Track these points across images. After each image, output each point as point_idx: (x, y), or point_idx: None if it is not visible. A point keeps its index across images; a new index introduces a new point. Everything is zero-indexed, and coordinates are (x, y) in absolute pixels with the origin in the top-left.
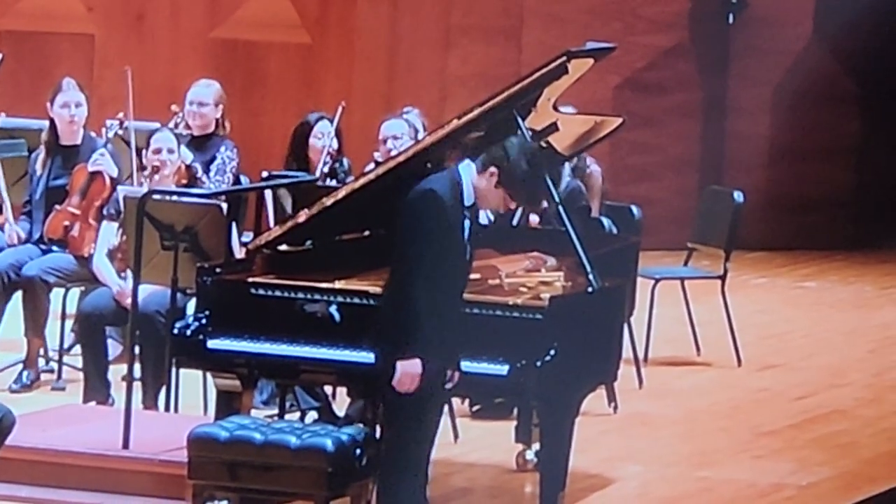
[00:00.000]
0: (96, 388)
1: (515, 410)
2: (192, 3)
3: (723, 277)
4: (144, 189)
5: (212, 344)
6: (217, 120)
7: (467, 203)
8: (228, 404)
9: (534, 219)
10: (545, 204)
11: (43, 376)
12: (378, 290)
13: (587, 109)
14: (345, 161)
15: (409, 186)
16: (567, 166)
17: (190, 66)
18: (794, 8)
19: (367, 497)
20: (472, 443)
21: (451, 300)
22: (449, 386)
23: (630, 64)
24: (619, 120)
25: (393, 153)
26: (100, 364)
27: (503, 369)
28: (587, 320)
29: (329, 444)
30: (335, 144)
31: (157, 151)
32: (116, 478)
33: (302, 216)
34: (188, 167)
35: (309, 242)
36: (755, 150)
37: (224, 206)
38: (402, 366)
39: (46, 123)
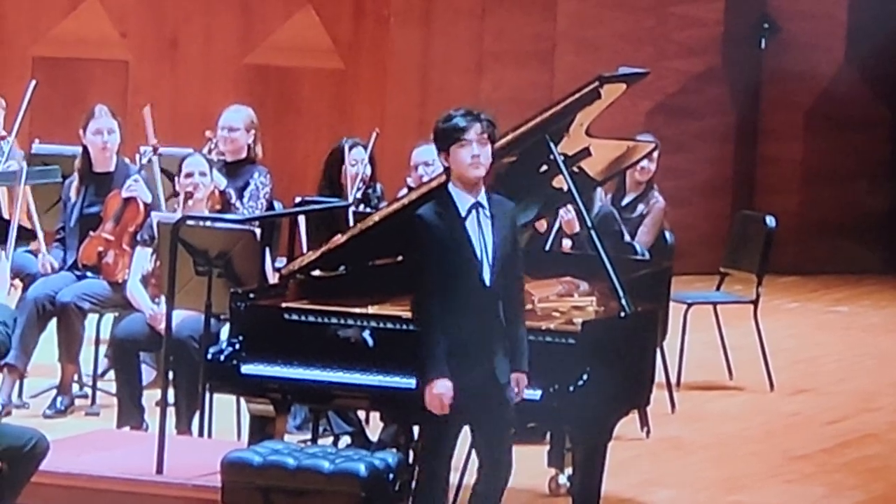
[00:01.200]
0: (130, 414)
1: (548, 435)
2: (226, 30)
3: (755, 302)
4: (178, 215)
5: (245, 369)
6: (249, 145)
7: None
8: (262, 429)
9: (566, 243)
10: (578, 228)
11: (77, 402)
12: (411, 315)
13: (619, 134)
14: (378, 187)
15: None
16: (599, 191)
17: (223, 92)
18: (826, 33)
19: None
20: None
21: (471, 314)
22: (514, 396)
23: (662, 89)
24: (652, 144)
25: (424, 179)
26: (133, 389)
27: (536, 394)
28: (620, 345)
29: (362, 468)
30: (369, 171)
31: (189, 175)
32: (150, 503)
33: (336, 241)
34: (222, 193)
35: (342, 268)
36: (787, 174)
37: (258, 231)
38: (427, 388)
39: (80, 150)
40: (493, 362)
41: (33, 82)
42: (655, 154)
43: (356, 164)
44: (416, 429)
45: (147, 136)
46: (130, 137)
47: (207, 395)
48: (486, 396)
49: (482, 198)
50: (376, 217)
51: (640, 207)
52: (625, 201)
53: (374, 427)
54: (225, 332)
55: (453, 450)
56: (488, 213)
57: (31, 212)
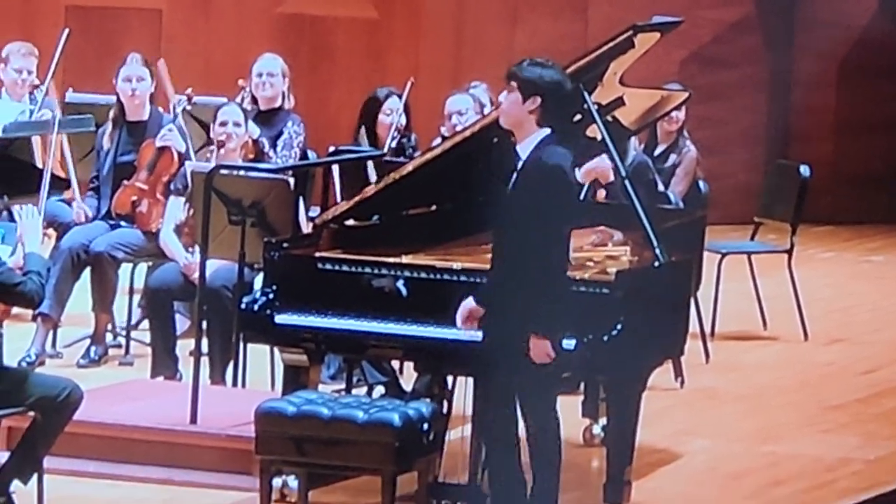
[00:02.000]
0: (164, 363)
1: (582, 385)
2: None
3: (789, 251)
4: (212, 164)
5: (279, 319)
6: (283, 93)
7: None
8: (296, 379)
9: (600, 193)
10: (612, 178)
11: (111, 351)
12: (445, 264)
13: (653, 83)
14: (412, 136)
15: (476, 161)
16: (633, 140)
17: (256, 41)
18: None
19: (433, 472)
20: None
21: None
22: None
23: (696, 38)
24: (686, 94)
25: (458, 128)
26: (167, 339)
27: (570, 344)
28: (654, 295)
29: (396, 419)
30: (403, 120)
31: (224, 124)
32: (184, 453)
33: (370, 190)
34: (255, 142)
35: (376, 217)
36: (821, 123)
37: (291, 180)
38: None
39: (114, 99)
40: None
41: (66, 31)
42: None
43: (391, 113)
44: (449, 379)
45: (165, 92)
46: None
47: (241, 345)
48: None
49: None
50: (410, 167)
51: (672, 157)
52: (657, 152)
53: (408, 377)
54: (258, 281)
55: None
56: None
57: (66, 160)
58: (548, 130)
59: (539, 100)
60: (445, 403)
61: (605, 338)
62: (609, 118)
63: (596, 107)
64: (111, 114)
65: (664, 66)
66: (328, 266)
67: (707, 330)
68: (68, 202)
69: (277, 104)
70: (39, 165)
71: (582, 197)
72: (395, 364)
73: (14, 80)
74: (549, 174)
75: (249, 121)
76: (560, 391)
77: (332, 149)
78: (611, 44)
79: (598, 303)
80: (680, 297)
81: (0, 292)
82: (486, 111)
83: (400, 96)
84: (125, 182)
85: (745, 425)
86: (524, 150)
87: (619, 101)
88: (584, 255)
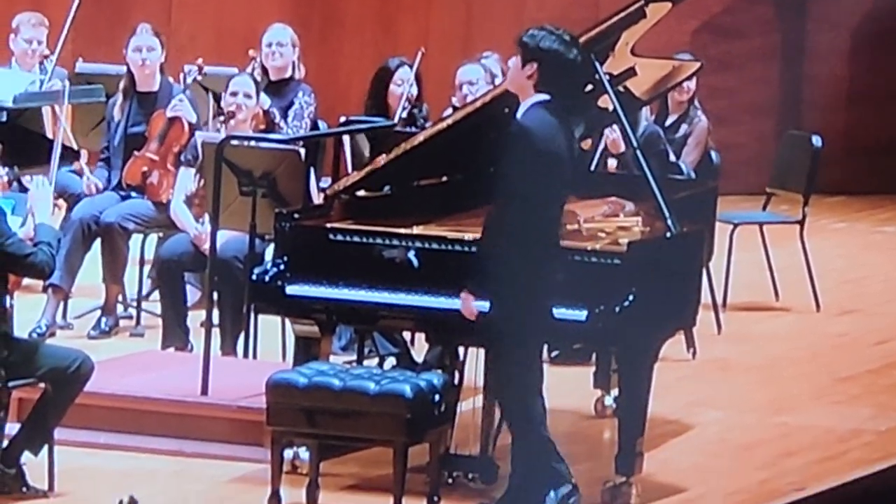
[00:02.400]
0: (175, 335)
1: (594, 356)
2: None
3: (801, 222)
4: (222, 135)
5: (290, 290)
6: (293, 63)
7: None
8: (307, 350)
9: (612, 163)
10: (623, 148)
11: (122, 323)
12: (456, 235)
13: (665, 54)
14: (424, 107)
15: (487, 132)
16: (645, 111)
17: (267, 10)
18: None
19: (445, 443)
20: (550, 389)
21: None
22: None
23: (708, 8)
24: (697, 64)
25: (469, 98)
26: (178, 310)
27: (582, 315)
28: (666, 265)
29: (408, 390)
30: (415, 91)
31: (234, 95)
32: (195, 424)
33: (380, 161)
34: (266, 112)
35: (387, 188)
36: (834, 93)
37: (302, 151)
38: (464, 296)
39: (124, 69)
40: None
41: (77, 1)
42: None
43: (402, 83)
44: (461, 350)
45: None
46: (175, 56)
47: (252, 316)
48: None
49: None
50: (421, 137)
51: (684, 127)
52: (668, 122)
53: (420, 348)
54: (269, 252)
55: None
56: None
57: (66, 131)
58: (542, 96)
59: (535, 65)
60: (457, 374)
61: (617, 309)
62: (620, 88)
63: (607, 77)
64: (121, 84)
65: (676, 36)
66: (339, 237)
67: (719, 301)
68: (78, 173)
69: (288, 74)
70: (49, 136)
71: (593, 167)
72: (407, 335)
73: (24, 50)
74: (512, 136)
75: (261, 92)
76: (572, 362)
77: (342, 119)
78: (622, 13)
79: (609, 273)
80: (692, 267)
81: (10, 263)
82: (497, 81)
83: (411, 66)
84: (136, 153)
85: (757, 396)
86: (519, 115)
87: (631, 72)
88: (596, 226)
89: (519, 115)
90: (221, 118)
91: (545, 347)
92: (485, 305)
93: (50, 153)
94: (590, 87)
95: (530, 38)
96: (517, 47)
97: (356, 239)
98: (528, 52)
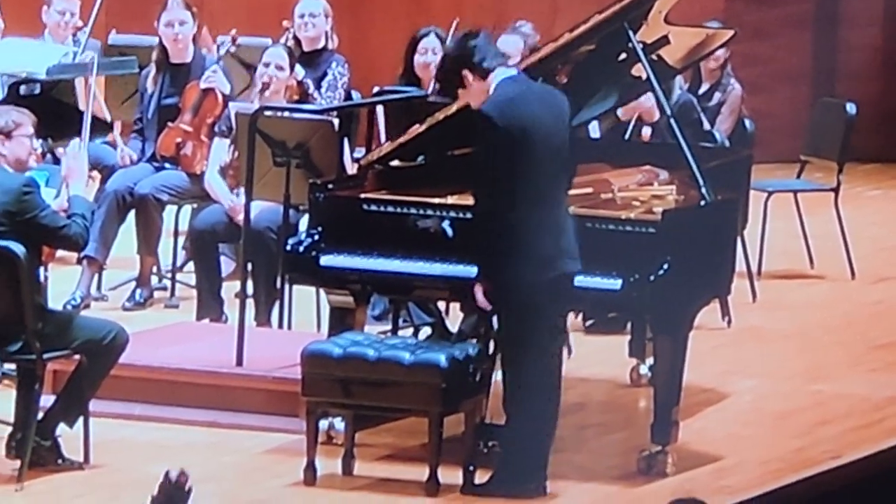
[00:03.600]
0: (209, 306)
1: (629, 325)
2: None
3: (836, 190)
4: (256, 105)
5: (324, 260)
6: (326, 33)
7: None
8: (341, 320)
9: (646, 132)
10: (657, 117)
11: (156, 294)
12: None
13: (699, 22)
14: None
15: None
16: (678, 79)
17: None
18: None
19: (480, 413)
20: (585, 358)
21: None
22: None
23: None
24: (731, 32)
25: None
26: (213, 281)
27: (616, 284)
28: (700, 234)
29: (443, 359)
30: None
31: (267, 66)
32: (230, 395)
33: (414, 131)
34: (300, 83)
35: (421, 158)
36: (868, 61)
37: (336, 122)
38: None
39: (156, 41)
40: None
41: None
42: None
43: (426, 52)
44: (495, 319)
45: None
46: (208, 27)
47: (286, 287)
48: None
49: None
50: (455, 107)
51: (717, 96)
52: (701, 91)
53: (454, 318)
54: (303, 223)
55: None
56: None
57: (100, 103)
58: (503, 74)
59: (468, 69)
60: (492, 344)
61: (652, 277)
62: (654, 57)
63: (641, 46)
64: (154, 56)
65: (709, 3)
66: (373, 207)
67: (754, 269)
68: (112, 145)
69: (320, 45)
70: (83, 108)
71: (627, 136)
72: (441, 305)
73: (57, 22)
74: (476, 122)
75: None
76: (607, 331)
77: (376, 89)
78: None
79: (644, 242)
80: (726, 235)
81: (45, 235)
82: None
83: (442, 37)
84: (169, 124)
85: (792, 364)
86: None
87: (664, 40)
88: (631, 195)
89: None
90: (256, 89)
91: (565, 319)
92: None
93: (82, 125)
94: (624, 55)
95: (448, 61)
96: (445, 78)
97: (390, 209)
98: (455, 67)
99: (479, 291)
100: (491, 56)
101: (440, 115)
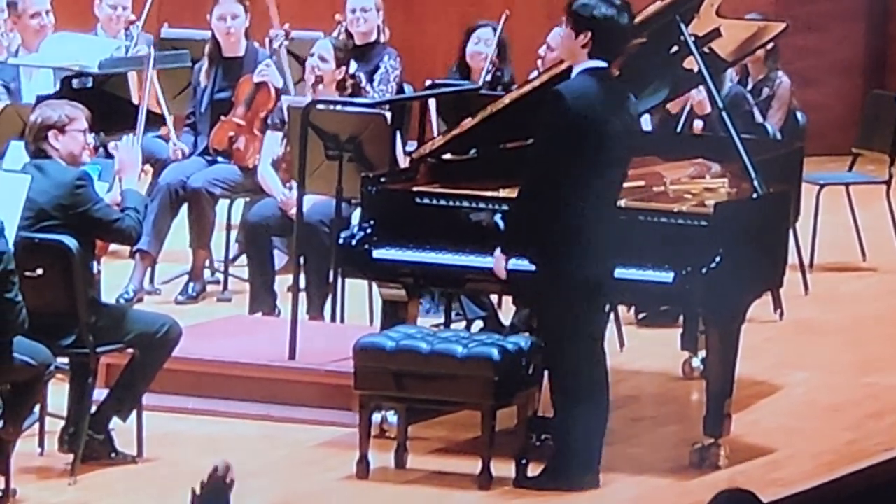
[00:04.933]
0: (262, 299)
1: (681, 318)
2: None
3: (888, 182)
4: (308, 99)
5: (377, 254)
6: (378, 27)
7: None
8: (394, 314)
9: (698, 125)
10: (709, 110)
11: (209, 287)
12: None
13: (750, 14)
14: (506, 71)
15: None
16: (730, 72)
17: None
18: None
19: (533, 406)
20: (637, 351)
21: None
22: None
23: None
24: (783, 25)
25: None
26: (266, 274)
27: (668, 277)
28: (752, 226)
29: (495, 353)
30: (494, 53)
31: (312, 56)
32: (283, 388)
33: (466, 124)
34: (352, 76)
35: (473, 151)
36: None
37: (388, 115)
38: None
39: (209, 34)
40: None
41: None
42: None
43: (479, 42)
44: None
45: (272, 23)
46: (259, 22)
47: (339, 280)
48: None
49: None
50: (507, 99)
51: (766, 91)
52: (750, 84)
53: (507, 311)
54: (356, 216)
55: None
56: None
57: (159, 97)
58: (593, 63)
59: (590, 34)
60: None
61: (704, 270)
62: (706, 49)
63: (693, 38)
64: (206, 50)
65: None
66: (426, 200)
67: (806, 261)
68: (164, 138)
69: (373, 38)
70: (136, 102)
71: (679, 129)
72: (494, 298)
73: (109, 15)
74: (546, 101)
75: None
76: (659, 324)
77: (428, 83)
78: None
79: (696, 235)
80: (778, 228)
81: (98, 229)
82: None
83: (494, 28)
84: (222, 118)
85: (844, 357)
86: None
87: (716, 33)
88: (683, 188)
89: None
90: (309, 82)
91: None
92: (519, 264)
93: (136, 119)
94: (675, 48)
95: (583, 8)
96: (568, 16)
97: (442, 202)
98: (583, 21)
99: (500, 260)
100: (615, 43)
101: (492, 108)
